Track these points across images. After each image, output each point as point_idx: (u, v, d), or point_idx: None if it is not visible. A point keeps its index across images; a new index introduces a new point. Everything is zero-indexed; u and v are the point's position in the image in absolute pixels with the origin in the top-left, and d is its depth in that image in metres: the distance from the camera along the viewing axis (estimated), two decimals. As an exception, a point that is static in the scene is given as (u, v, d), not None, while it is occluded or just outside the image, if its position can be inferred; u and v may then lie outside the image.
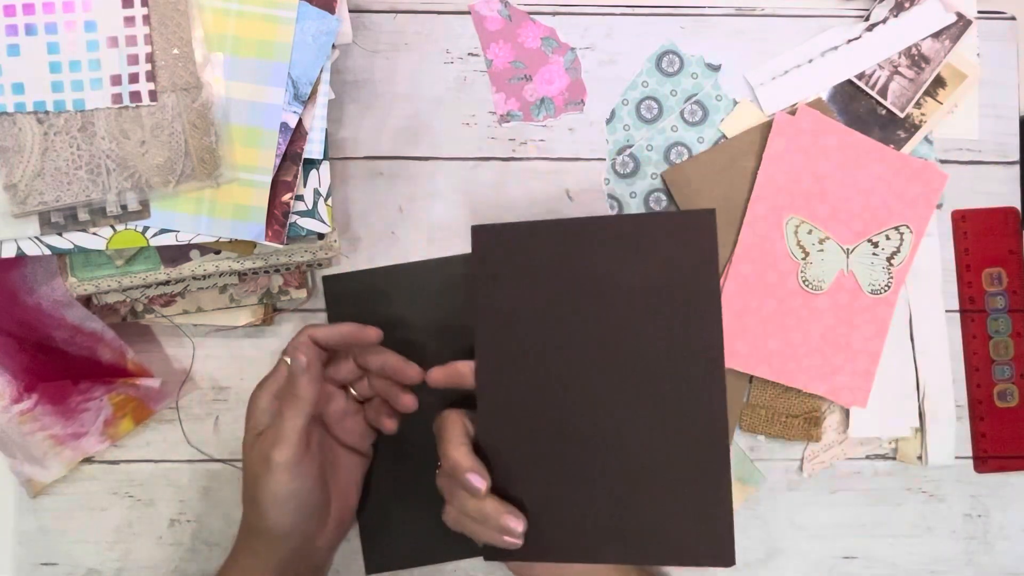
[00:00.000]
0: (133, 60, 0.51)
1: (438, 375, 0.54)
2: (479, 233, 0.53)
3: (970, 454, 0.62)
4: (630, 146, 0.62)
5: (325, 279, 0.61)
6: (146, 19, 0.52)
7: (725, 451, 0.50)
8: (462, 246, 0.61)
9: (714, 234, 0.50)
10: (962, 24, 0.62)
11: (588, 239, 0.51)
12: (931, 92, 0.62)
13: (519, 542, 0.50)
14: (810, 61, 0.62)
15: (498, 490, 0.51)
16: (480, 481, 0.49)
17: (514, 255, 0.53)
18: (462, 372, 0.53)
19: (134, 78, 0.51)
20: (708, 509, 0.49)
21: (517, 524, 0.50)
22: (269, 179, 0.53)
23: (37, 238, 0.52)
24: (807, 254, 0.60)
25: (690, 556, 0.50)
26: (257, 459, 0.51)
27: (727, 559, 0.49)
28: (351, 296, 0.60)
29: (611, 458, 0.51)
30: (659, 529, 0.50)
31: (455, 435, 0.51)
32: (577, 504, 0.51)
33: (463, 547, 0.55)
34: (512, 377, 0.52)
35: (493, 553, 0.52)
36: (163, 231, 0.53)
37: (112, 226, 0.52)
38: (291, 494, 0.51)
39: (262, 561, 0.52)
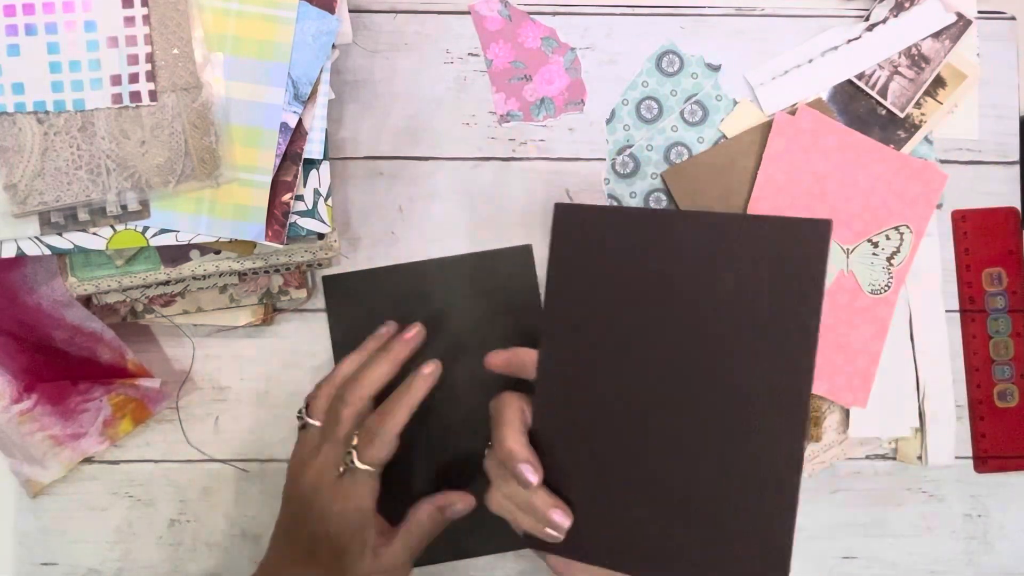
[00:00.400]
0: (133, 60, 0.51)
1: (498, 360, 0.53)
2: (562, 212, 0.50)
3: (970, 454, 0.62)
4: (630, 146, 0.62)
5: (325, 279, 0.61)
6: (146, 19, 0.52)
7: (797, 486, 0.46)
8: (462, 246, 0.61)
9: (827, 246, 0.45)
10: (962, 24, 0.62)
11: (681, 233, 0.47)
12: (931, 92, 0.62)
13: (561, 536, 0.49)
14: (810, 61, 0.62)
15: (547, 482, 0.50)
16: (533, 474, 0.48)
17: (596, 240, 0.49)
18: (524, 360, 0.52)
19: (134, 78, 0.51)
20: (768, 537, 0.46)
21: (564, 520, 0.49)
22: (269, 179, 0.53)
23: (37, 238, 0.52)
24: (807, 254, 0.60)
25: (741, 573, 0.47)
26: (359, 540, 0.52)
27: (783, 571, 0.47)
28: (351, 296, 0.60)
29: (672, 470, 0.48)
30: (707, 554, 0.47)
31: (512, 420, 0.50)
32: (628, 511, 0.49)
33: (482, 544, 0.55)
34: (576, 369, 0.50)
35: (532, 542, 0.51)
36: (163, 231, 0.53)
37: (112, 226, 0.52)
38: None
39: None
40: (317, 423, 0.54)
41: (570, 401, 0.50)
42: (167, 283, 0.56)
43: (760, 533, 0.46)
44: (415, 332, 0.56)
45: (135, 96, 0.51)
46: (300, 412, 0.55)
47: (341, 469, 0.51)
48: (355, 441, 0.51)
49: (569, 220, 0.50)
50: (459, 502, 0.54)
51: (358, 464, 0.51)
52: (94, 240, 0.52)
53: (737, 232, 0.46)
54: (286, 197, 0.54)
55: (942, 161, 0.62)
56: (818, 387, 0.60)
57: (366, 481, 0.51)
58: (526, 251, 0.61)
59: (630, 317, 0.49)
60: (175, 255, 0.55)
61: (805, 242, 0.45)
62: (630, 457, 0.49)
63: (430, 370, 0.53)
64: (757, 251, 0.46)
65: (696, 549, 0.47)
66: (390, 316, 0.60)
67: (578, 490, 0.50)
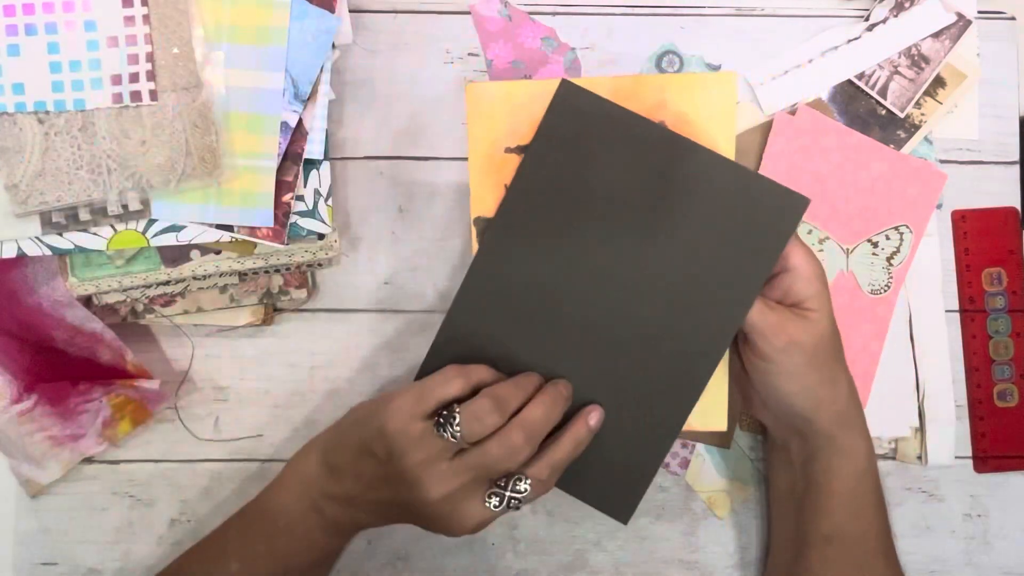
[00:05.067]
0: (133, 60, 0.51)
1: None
2: (566, 90, 0.49)
3: (970, 454, 0.62)
4: (630, 146, 0.62)
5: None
6: (146, 18, 0.52)
7: (667, 448, 0.50)
8: (463, 247, 0.61)
9: (798, 221, 0.48)
10: (962, 24, 0.62)
11: (673, 156, 0.48)
12: (931, 92, 0.62)
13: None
14: (810, 61, 0.62)
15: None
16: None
17: (590, 130, 0.49)
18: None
19: (134, 78, 0.51)
20: (638, 468, 0.50)
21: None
22: (274, 164, 0.53)
23: (38, 238, 0.52)
24: (807, 254, 0.60)
25: (597, 501, 0.51)
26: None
27: (625, 518, 0.51)
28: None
29: (579, 381, 0.49)
30: (589, 463, 0.50)
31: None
32: None
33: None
34: (523, 252, 0.49)
35: None
36: (163, 231, 0.53)
37: (112, 226, 0.52)
38: None
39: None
40: (462, 443, 0.46)
41: (505, 281, 0.50)
42: (167, 283, 0.56)
43: (626, 474, 0.50)
44: (570, 391, 0.49)
45: (136, 96, 0.52)
46: (448, 420, 0.46)
47: (494, 504, 0.47)
48: (528, 483, 0.47)
49: (570, 101, 0.49)
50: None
51: (521, 507, 0.47)
52: (94, 240, 0.52)
53: (730, 174, 0.48)
54: (286, 197, 0.54)
55: (942, 161, 0.62)
56: (818, 387, 0.60)
57: (497, 516, 0.48)
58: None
59: (594, 217, 0.49)
60: (175, 255, 0.55)
61: (782, 210, 0.48)
62: (546, 359, 0.50)
63: (596, 423, 0.49)
64: (736, 200, 0.48)
65: (575, 465, 0.49)
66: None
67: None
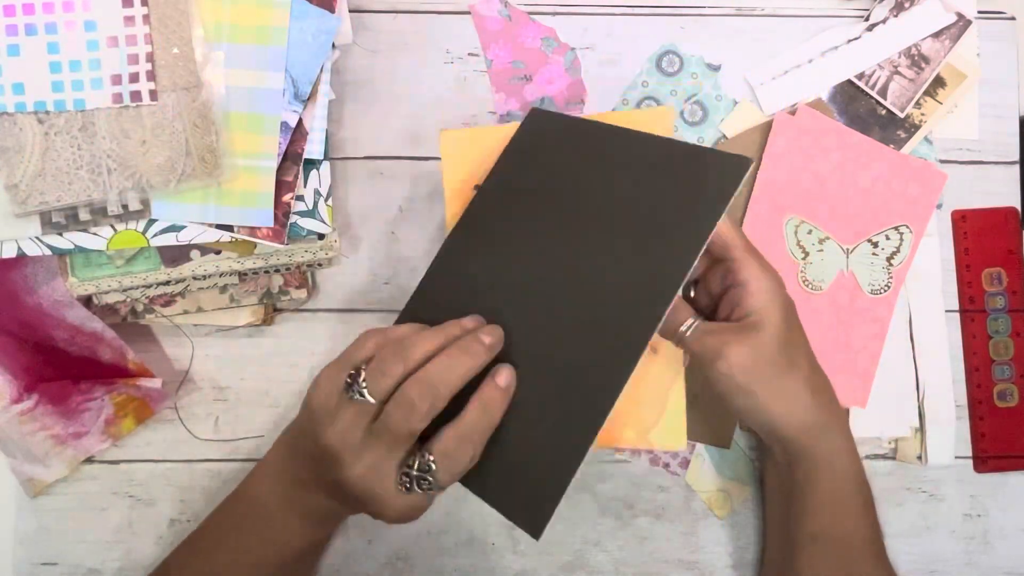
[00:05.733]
0: (133, 60, 0.52)
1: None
2: (534, 114, 0.54)
3: (970, 454, 0.62)
4: (630, 146, 0.62)
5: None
6: (146, 18, 0.52)
7: (597, 429, 0.45)
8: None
9: (739, 181, 0.46)
10: (962, 24, 0.62)
11: (619, 145, 0.50)
12: (931, 92, 0.62)
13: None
14: (810, 61, 0.62)
15: None
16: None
17: (546, 141, 0.53)
18: None
19: (134, 78, 0.51)
20: (552, 477, 0.44)
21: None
22: (274, 164, 0.53)
23: (38, 238, 0.52)
24: (807, 254, 0.60)
25: (508, 509, 0.46)
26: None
27: (536, 532, 0.45)
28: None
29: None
30: (504, 468, 0.46)
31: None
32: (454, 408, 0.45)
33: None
34: (474, 251, 0.51)
35: None
36: (163, 231, 0.53)
37: (112, 226, 0.52)
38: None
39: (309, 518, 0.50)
40: (372, 401, 0.44)
41: (454, 282, 0.51)
42: (167, 283, 0.56)
43: (539, 482, 0.45)
44: (497, 340, 0.46)
45: (136, 96, 0.52)
46: (355, 380, 0.44)
47: (405, 485, 0.44)
48: (430, 458, 0.44)
49: (534, 123, 0.54)
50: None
51: (434, 488, 0.44)
52: (94, 240, 0.52)
53: (670, 152, 0.49)
54: (287, 197, 0.54)
55: (942, 161, 0.62)
56: (818, 387, 0.60)
57: (427, 500, 0.46)
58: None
59: (545, 211, 0.51)
60: (175, 255, 0.55)
61: (724, 173, 0.47)
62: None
63: (506, 383, 0.45)
64: (682, 173, 0.48)
65: (491, 465, 0.46)
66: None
67: None
